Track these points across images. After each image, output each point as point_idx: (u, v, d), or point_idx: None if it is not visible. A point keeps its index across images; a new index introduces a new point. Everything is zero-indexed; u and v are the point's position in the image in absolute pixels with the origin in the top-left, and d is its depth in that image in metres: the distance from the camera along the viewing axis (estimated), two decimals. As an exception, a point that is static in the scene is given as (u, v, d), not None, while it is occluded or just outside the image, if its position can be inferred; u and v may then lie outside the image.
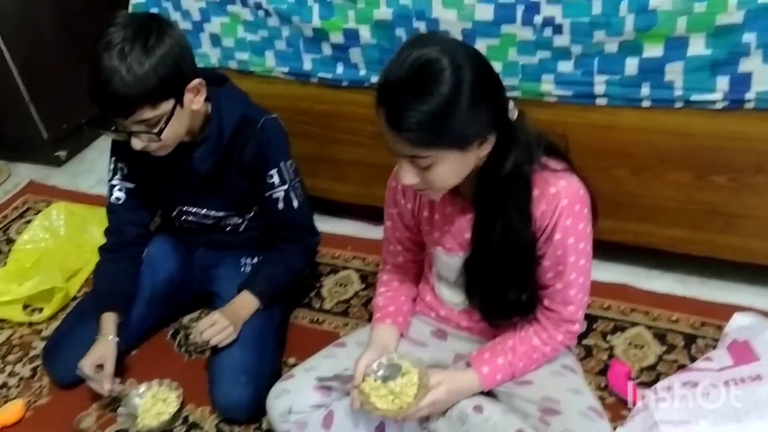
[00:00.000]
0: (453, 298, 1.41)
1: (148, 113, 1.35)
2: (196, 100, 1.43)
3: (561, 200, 1.17)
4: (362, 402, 1.26)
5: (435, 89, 1.02)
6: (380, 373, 1.29)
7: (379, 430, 1.38)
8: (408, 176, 1.12)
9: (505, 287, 1.26)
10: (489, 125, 1.09)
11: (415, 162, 1.10)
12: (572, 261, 1.22)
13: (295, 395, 1.36)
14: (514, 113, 1.13)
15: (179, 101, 1.39)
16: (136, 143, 1.41)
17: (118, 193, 1.65)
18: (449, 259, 1.34)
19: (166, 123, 1.38)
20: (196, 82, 1.41)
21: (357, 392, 1.28)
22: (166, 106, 1.37)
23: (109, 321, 1.58)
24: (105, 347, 1.54)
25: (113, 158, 1.64)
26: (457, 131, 1.05)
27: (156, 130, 1.38)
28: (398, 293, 1.46)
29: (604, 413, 1.28)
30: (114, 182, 1.65)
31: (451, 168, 1.11)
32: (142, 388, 1.58)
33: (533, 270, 1.24)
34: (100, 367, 1.52)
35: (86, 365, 1.51)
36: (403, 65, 1.04)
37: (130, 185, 1.65)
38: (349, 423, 1.37)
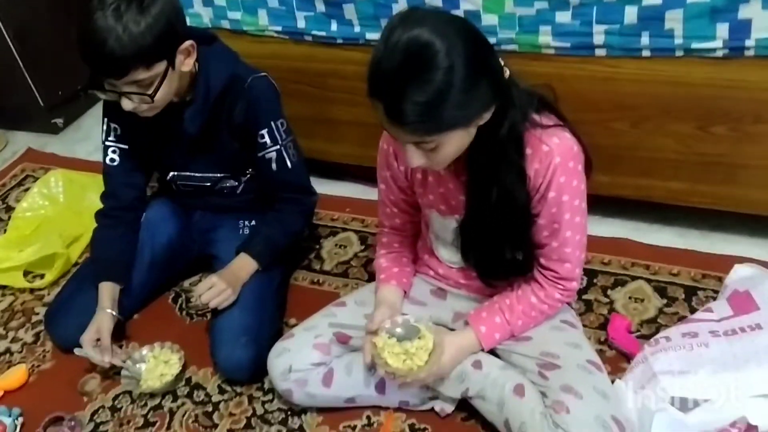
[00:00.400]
0: (450, 257, 1.41)
1: (141, 74, 1.33)
2: (186, 61, 1.41)
3: (554, 158, 1.15)
4: (373, 356, 1.27)
5: (432, 77, 0.98)
6: (397, 331, 1.30)
7: (380, 388, 1.39)
8: (415, 159, 1.10)
9: (500, 248, 1.26)
10: (489, 98, 1.06)
11: (420, 146, 1.08)
12: (567, 218, 1.22)
13: (295, 354, 1.38)
14: (507, 73, 1.11)
15: (171, 63, 1.37)
16: (127, 104, 1.39)
17: (112, 155, 1.64)
18: (444, 220, 1.34)
19: (159, 84, 1.36)
20: (187, 43, 1.39)
21: (370, 344, 1.29)
22: (160, 67, 1.35)
23: (106, 292, 1.58)
24: (101, 321, 1.55)
25: (105, 119, 1.62)
26: (459, 113, 1.03)
27: (150, 91, 1.36)
28: (401, 254, 1.46)
29: (602, 366, 1.28)
30: (108, 143, 1.64)
31: (457, 144, 1.10)
32: (144, 351, 1.59)
33: (528, 229, 1.23)
34: (98, 340, 1.53)
35: (86, 341, 1.52)
36: (395, 52, 0.99)
37: (125, 146, 1.63)
38: (349, 381, 1.38)
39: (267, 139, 1.56)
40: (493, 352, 1.36)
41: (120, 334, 1.69)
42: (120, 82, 1.35)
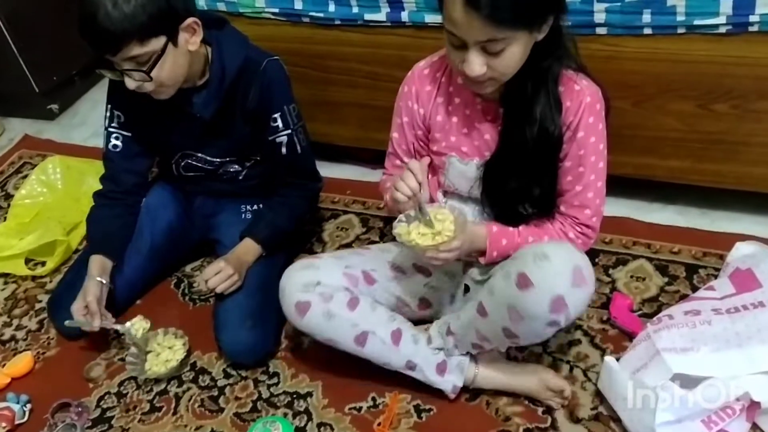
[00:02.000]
0: None
1: (136, 50, 1.32)
2: (192, 40, 1.40)
3: (585, 97, 1.21)
4: (403, 243, 1.25)
5: None
6: (413, 214, 1.26)
7: (395, 337, 1.37)
8: (477, 64, 1.11)
9: (529, 184, 1.27)
10: (553, 5, 1.10)
11: (486, 48, 1.09)
12: (592, 161, 1.25)
13: (324, 272, 1.37)
14: None
15: (172, 40, 1.35)
16: (129, 82, 1.38)
17: (115, 141, 1.62)
18: (465, 166, 1.34)
19: (156, 61, 1.35)
20: (190, 20, 1.37)
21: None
22: (156, 43, 1.33)
23: (95, 263, 1.57)
24: (88, 288, 1.53)
25: (109, 105, 1.61)
26: (532, 5, 1.06)
27: (146, 68, 1.35)
28: None
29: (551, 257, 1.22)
30: (111, 129, 1.62)
31: (520, 52, 1.12)
32: (148, 337, 1.59)
33: (556, 164, 1.25)
34: (86, 307, 1.51)
35: (75, 310, 1.51)
36: None
37: (127, 134, 1.62)
38: (372, 315, 1.36)
39: (279, 123, 1.55)
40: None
41: (123, 320, 1.68)
42: (116, 59, 1.34)
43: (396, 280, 1.45)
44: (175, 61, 1.38)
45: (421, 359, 1.39)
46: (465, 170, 1.34)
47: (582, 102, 1.21)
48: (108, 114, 1.62)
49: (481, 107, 1.28)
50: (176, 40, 1.36)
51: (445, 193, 1.41)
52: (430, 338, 1.39)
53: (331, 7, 1.72)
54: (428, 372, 1.39)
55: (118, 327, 1.55)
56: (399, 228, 1.26)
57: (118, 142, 1.62)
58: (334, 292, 1.34)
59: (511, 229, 1.32)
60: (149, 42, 1.32)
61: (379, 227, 1.87)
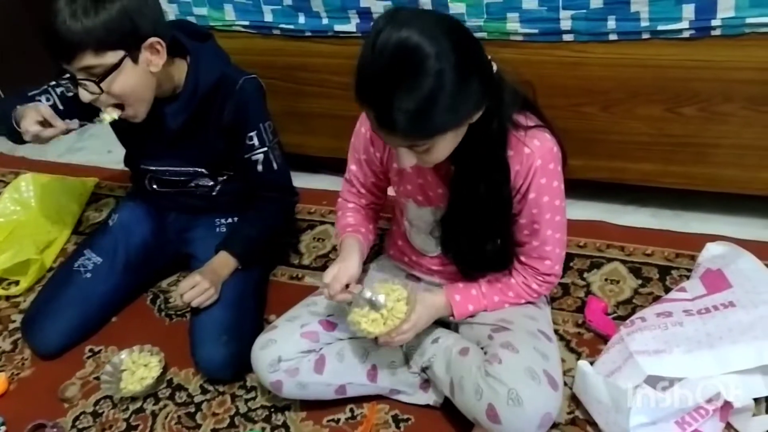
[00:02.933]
0: (425, 246, 1.41)
1: (89, 60, 1.30)
2: (154, 61, 1.38)
3: (535, 161, 1.17)
4: (354, 331, 1.27)
5: (422, 83, 0.95)
6: (366, 298, 1.27)
7: (371, 375, 1.39)
8: (406, 161, 1.10)
9: (481, 241, 1.26)
10: (480, 98, 1.05)
11: (413, 148, 1.08)
12: (548, 218, 1.23)
13: (282, 344, 1.36)
14: (494, 68, 1.09)
15: (131, 56, 1.34)
16: (84, 94, 1.36)
17: (45, 100, 1.50)
18: (421, 211, 1.34)
19: (109, 73, 1.33)
20: (152, 40, 1.36)
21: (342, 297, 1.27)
22: (113, 56, 1.32)
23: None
24: (34, 105, 1.41)
25: (67, 80, 1.49)
26: (451, 117, 1.03)
27: (98, 79, 1.33)
28: (366, 221, 1.45)
29: (553, 338, 1.31)
30: (50, 89, 1.52)
31: (449, 144, 1.10)
32: (123, 355, 1.57)
33: (510, 224, 1.24)
34: (41, 123, 1.38)
35: (29, 125, 1.37)
36: (382, 56, 0.96)
37: (61, 108, 1.51)
38: (341, 367, 1.37)
39: (255, 141, 1.55)
40: (456, 327, 1.38)
41: (99, 339, 1.68)
42: (71, 67, 1.33)
43: None
44: (133, 78, 1.36)
45: (403, 385, 1.40)
46: (422, 215, 1.34)
47: (532, 166, 1.16)
48: (61, 82, 1.52)
49: None
50: (136, 57, 1.35)
51: (411, 225, 1.41)
52: (408, 363, 1.40)
53: (301, 19, 1.73)
54: (413, 393, 1.41)
55: (85, 123, 1.46)
56: (350, 316, 1.27)
57: (44, 102, 1.49)
58: (298, 363, 1.34)
59: (473, 291, 1.32)
60: (105, 54, 1.31)
61: (356, 237, 1.87)
